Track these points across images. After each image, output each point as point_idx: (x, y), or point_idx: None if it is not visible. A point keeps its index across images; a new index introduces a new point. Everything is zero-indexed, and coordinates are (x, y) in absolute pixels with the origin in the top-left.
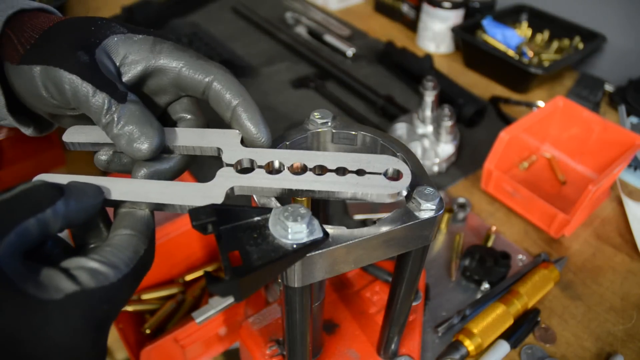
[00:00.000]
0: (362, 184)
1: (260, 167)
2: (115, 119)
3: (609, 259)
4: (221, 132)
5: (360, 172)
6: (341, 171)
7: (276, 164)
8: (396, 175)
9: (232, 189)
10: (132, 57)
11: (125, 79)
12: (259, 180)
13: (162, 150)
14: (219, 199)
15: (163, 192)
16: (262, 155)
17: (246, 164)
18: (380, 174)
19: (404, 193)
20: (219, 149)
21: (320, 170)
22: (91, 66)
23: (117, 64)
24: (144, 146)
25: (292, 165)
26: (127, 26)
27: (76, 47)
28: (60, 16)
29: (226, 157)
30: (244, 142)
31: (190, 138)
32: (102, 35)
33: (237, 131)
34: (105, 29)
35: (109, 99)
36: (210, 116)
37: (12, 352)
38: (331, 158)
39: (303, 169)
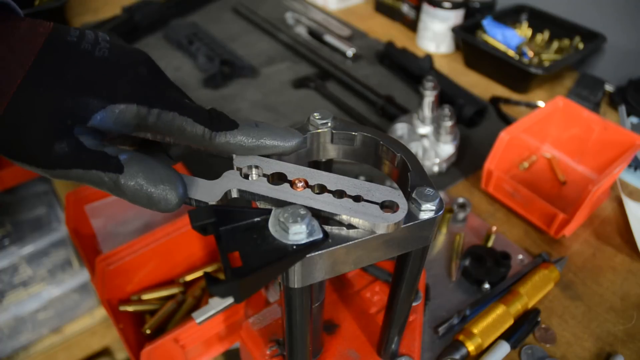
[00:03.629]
0: (356, 209)
1: (265, 175)
2: (123, 191)
3: (609, 259)
4: None
5: (357, 199)
6: (339, 193)
7: (280, 176)
8: (392, 208)
9: (230, 190)
10: (117, 130)
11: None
12: (258, 187)
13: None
14: (217, 197)
15: None
16: (270, 165)
17: (253, 170)
18: (377, 203)
19: (399, 225)
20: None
21: (320, 189)
22: (72, 153)
23: (102, 136)
24: (168, 206)
25: (293, 180)
26: (107, 86)
27: (48, 139)
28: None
29: (237, 161)
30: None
31: None
32: (80, 113)
33: None
34: (82, 106)
35: (104, 176)
36: None
37: None
38: (333, 180)
39: (304, 185)
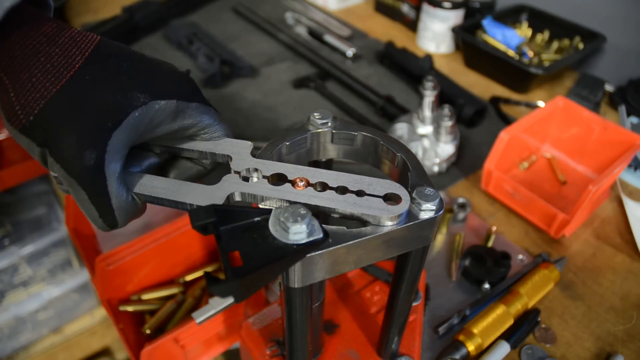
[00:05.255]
0: (360, 204)
1: (265, 177)
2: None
3: (609, 259)
4: (234, 141)
5: (360, 193)
6: (341, 190)
7: (279, 177)
8: (395, 200)
9: (233, 193)
10: (153, 125)
11: (143, 140)
12: (260, 189)
13: (179, 153)
14: (219, 202)
15: (169, 188)
16: (268, 167)
17: (252, 173)
18: (379, 196)
19: (402, 217)
20: (229, 157)
21: (322, 187)
22: (95, 171)
23: (136, 138)
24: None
25: (294, 179)
26: (153, 83)
27: (84, 143)
28: (56, 22)
29: (234, 165)
30: (253, 153)
31: (204, 144)
32: (121, 114)
33: (249, 142)
34: (126, 102)
35: (95, 218)
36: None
37: None
38: (334, 176)
39: (305, 184)
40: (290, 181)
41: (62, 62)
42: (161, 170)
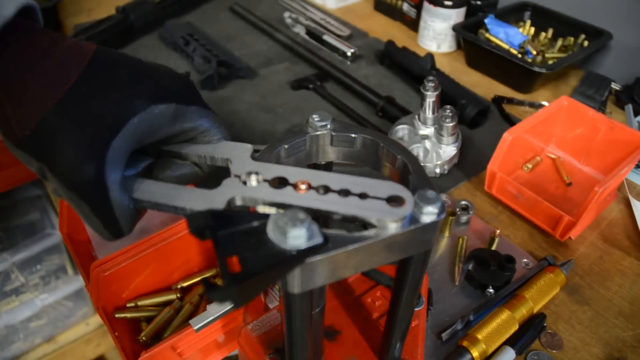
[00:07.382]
0: (363, 207)
1: (265, 180)
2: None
3: (617, 262)
4: (233, 144)
5: (362, 196)
6: (344, 193)
7: (281, 180)
8: (398, 202)
9: (234, 198)
10: (152, 129)
11: (142, 145)
12: (261, 192)
13: (178, 156)
14: (219, 206)
15: (168, 193)
16: (269, 170)
17: (252, 177)
18: (382, 199)
19: (407, 219)
20: (228, 160)
21: (324, 190)
22: (95, 183)
23: (135, 144)
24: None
25: (296, 182)
26: (152, 88)
27: (82, 156)
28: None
29: (234, 168)
30: (253, 156)
31: (203, 148)
32: (119, 123)
33: (249, 145)
34: (124, 110)
35: (100, 229)
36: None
37: None
38: (336, 179)
39: (307, 187)
40: (292, 184)
41: (58, 76)
42: (150, 169)
